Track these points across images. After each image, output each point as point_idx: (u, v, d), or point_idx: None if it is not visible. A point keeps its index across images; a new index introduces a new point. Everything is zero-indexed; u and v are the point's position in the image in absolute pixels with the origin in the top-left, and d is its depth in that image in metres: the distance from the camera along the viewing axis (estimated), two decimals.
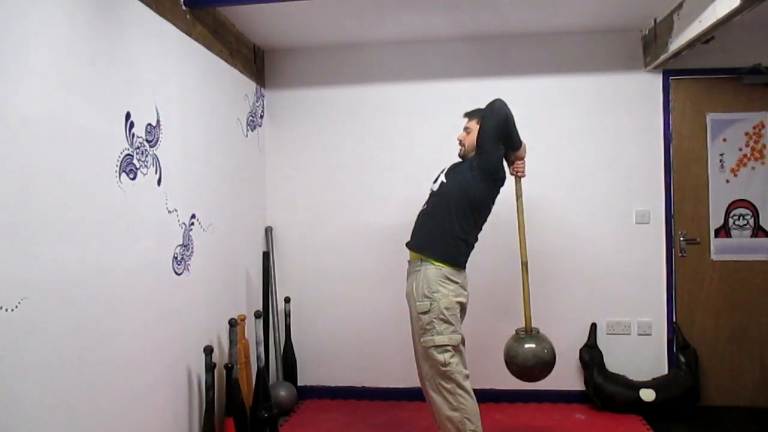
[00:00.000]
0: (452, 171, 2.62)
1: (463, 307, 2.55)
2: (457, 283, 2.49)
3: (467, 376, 2.47)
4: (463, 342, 2.52)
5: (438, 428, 2.53)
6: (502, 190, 2.63)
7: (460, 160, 2.70)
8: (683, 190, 3.49)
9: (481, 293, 3.21)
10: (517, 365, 2.70)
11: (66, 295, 1.83)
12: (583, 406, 3.45)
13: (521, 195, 2.74)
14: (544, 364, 2.69)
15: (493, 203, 2.60)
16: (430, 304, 2.42)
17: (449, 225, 2.49)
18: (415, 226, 2.64)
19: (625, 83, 3.51)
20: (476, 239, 2.59)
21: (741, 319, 3.43)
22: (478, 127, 2.56)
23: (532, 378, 2.73)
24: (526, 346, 2.70)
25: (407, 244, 2.64)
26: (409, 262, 2.64)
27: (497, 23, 3.38)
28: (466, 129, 2.66)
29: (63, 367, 1.81)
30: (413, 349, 2.71)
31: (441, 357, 2.41)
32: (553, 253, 3.52)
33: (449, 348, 2.42)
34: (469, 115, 2.68)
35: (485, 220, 2.61)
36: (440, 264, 2.47)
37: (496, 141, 2.49)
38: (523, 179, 2.75)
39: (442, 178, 2.61)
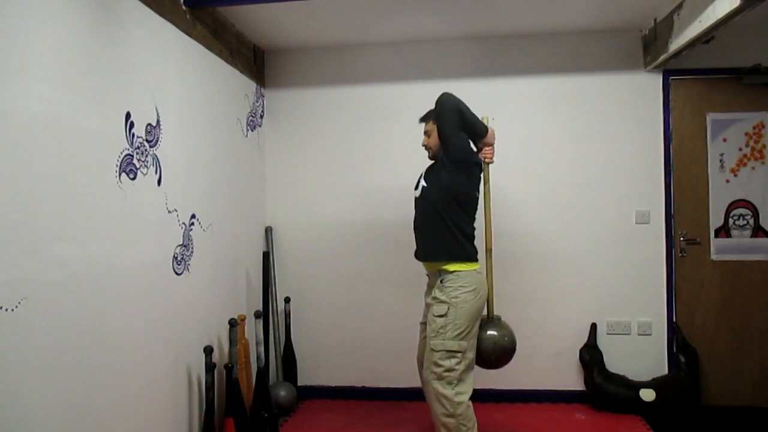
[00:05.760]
0: (430, 173, 2.64)
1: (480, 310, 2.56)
2: (474, 289, 2.49)
3: (469, 386, 2.46)
4: (473, 349, 2.51)
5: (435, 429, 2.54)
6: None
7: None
8: (683, 190, 3.49)
9: None
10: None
11: (66, 295, 1.83)
12: (583, 406, 3.45)
13: (488, 181, 2.70)
14: (503, 351, 2.62)
15: (477, 190, 2.62)
16: (448, 308, 2.45)
17: (443, 226, 2.50)
18: (415, 237, 2.67)
19: (625, 83, 3.51)
20: (473, 228, 2.60)
21: (741, 319, 3.43)
22: (436, 126, 2.58)
23: (490, 365, 2.65)
24: (488, 332, 2.62)
25: (416, 255, 2.66)
26: (427, 274, 2.67)
27: (497, 23, 3.38)
28: (426, 133, 2.69)
29: (63, 366, 1.81)
30: (417, 350, 2.71)
31: (447, 362, 2.42)
32: (553, 252, 3.52)
33: (457, 355, 2.43)
34: (425, 118, 2.71)
35: (475, 209, 2.62)
36: (455, 267, 2.49)
37: (456, 131, 2.50)
38: (491, 165, 2.70)
39: (423, 182, 2.64)
